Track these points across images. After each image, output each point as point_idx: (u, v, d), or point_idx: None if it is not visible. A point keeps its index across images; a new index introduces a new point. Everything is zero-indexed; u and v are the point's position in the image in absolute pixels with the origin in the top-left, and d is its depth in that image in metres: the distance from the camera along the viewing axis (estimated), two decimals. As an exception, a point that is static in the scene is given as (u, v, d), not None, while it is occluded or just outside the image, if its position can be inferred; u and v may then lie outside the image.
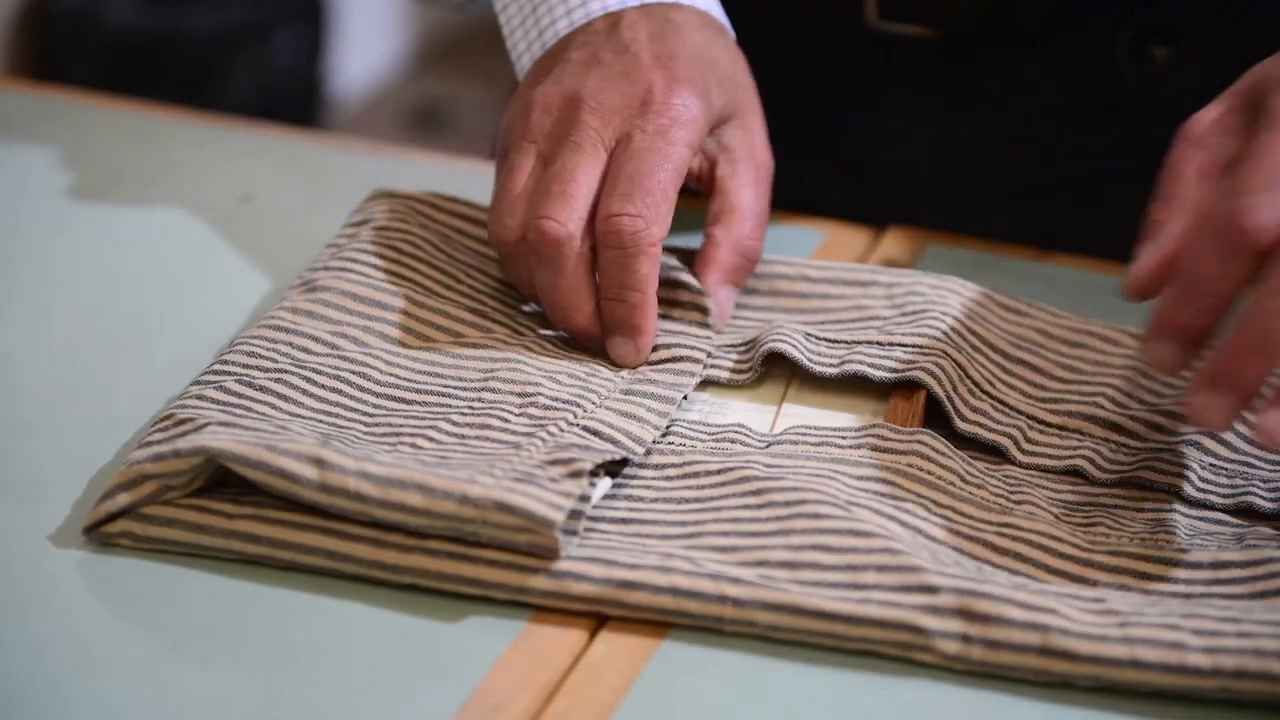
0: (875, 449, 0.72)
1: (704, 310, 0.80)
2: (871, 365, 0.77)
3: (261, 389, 0.73)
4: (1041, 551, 0.68)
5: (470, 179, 0.91)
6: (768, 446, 0.73)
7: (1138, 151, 0.95)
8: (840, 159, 0.94)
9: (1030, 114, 0.96)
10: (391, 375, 0.76)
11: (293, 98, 2.24)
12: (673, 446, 0.73)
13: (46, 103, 1.02)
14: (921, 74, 0.97)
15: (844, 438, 0.73)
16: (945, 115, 0.98)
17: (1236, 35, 0.93)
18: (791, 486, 0.69)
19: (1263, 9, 0.93)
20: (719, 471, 0.71)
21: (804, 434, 0.74)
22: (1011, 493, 0.72)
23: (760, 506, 0.69)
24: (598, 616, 0.67)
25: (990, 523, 0.70)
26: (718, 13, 0.84)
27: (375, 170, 0.96)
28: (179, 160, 0.99)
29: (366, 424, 0.73)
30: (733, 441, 0.74)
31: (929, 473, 0.71)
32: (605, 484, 0.70)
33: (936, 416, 0.77)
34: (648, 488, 0.71)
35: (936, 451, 0.72)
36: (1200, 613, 0.65)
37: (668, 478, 0.71)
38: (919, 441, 0.72)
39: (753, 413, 0.77)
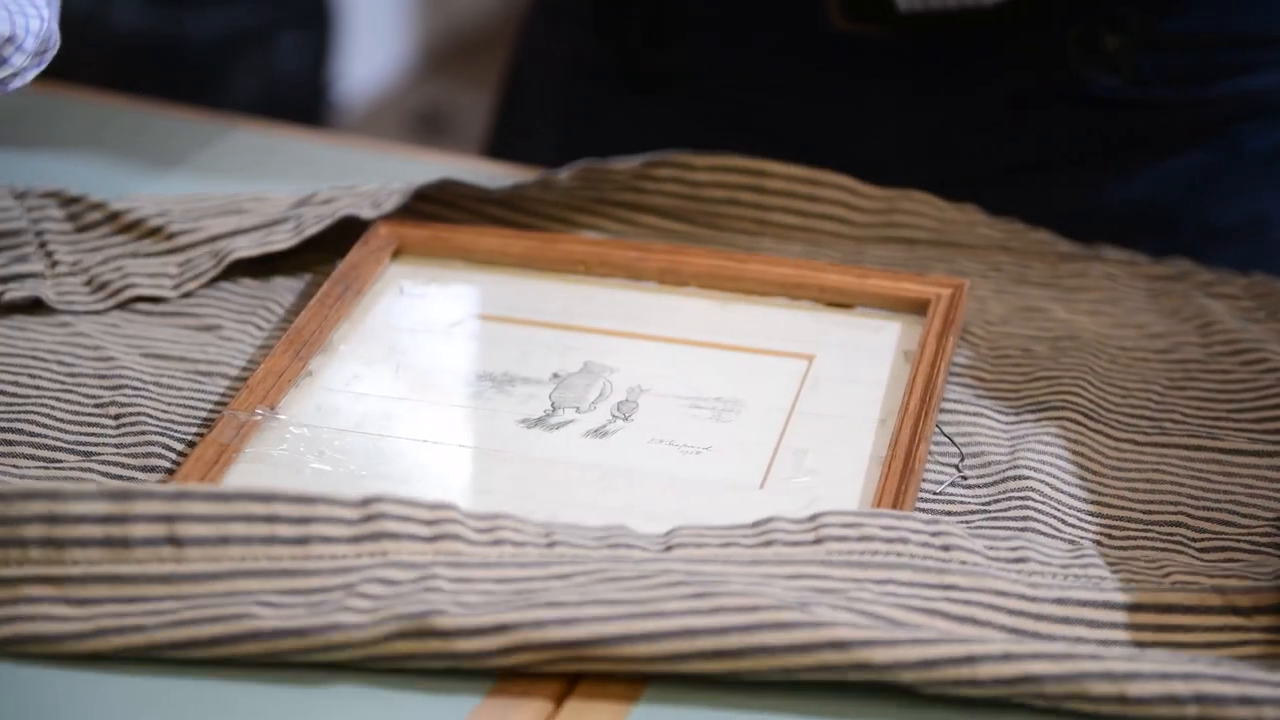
0: (786, 544, 0.68)
1: None
2: None
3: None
4: (994, 611, 0.66)
5: (473, 179, 0.91)
6: (668, 550, 0.68)
7: (1088, 134, 0.98)
8: (806, 149, 0.96)
9: (987, 103, 0.99)
10: None
11: (297, 101, 2.23)
12: (566, 556, 0.68)
13: (53, 101, 1.02)
14: (883, 68, 1.00)
15: (746, 537, 0.69)
16: (906, 106, 1.01)
17: (1183, 23, 0.96)
18: (739, 590, 0.65)
19: None
20: (641, 577, 0.66)
21: (701, 536, 0.69)
22: (935, 537, 0.69)
23: (712, 612, 0.64)
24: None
25: (933, 587, 0.67)
26: None
27: (382, 171, 0.96)
28: (187, 159, 0.99)
29: None
30: (629, 547, 0.68)
31: (850, 552, 0.68)
32: None
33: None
34: (567, 593, 0.66)
35: (845, 526, 0.69)
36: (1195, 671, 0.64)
37: (580, 585, 0.66)
38: (820, 526, 0.69)
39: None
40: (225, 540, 0.66)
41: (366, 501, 0.67)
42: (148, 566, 0.65)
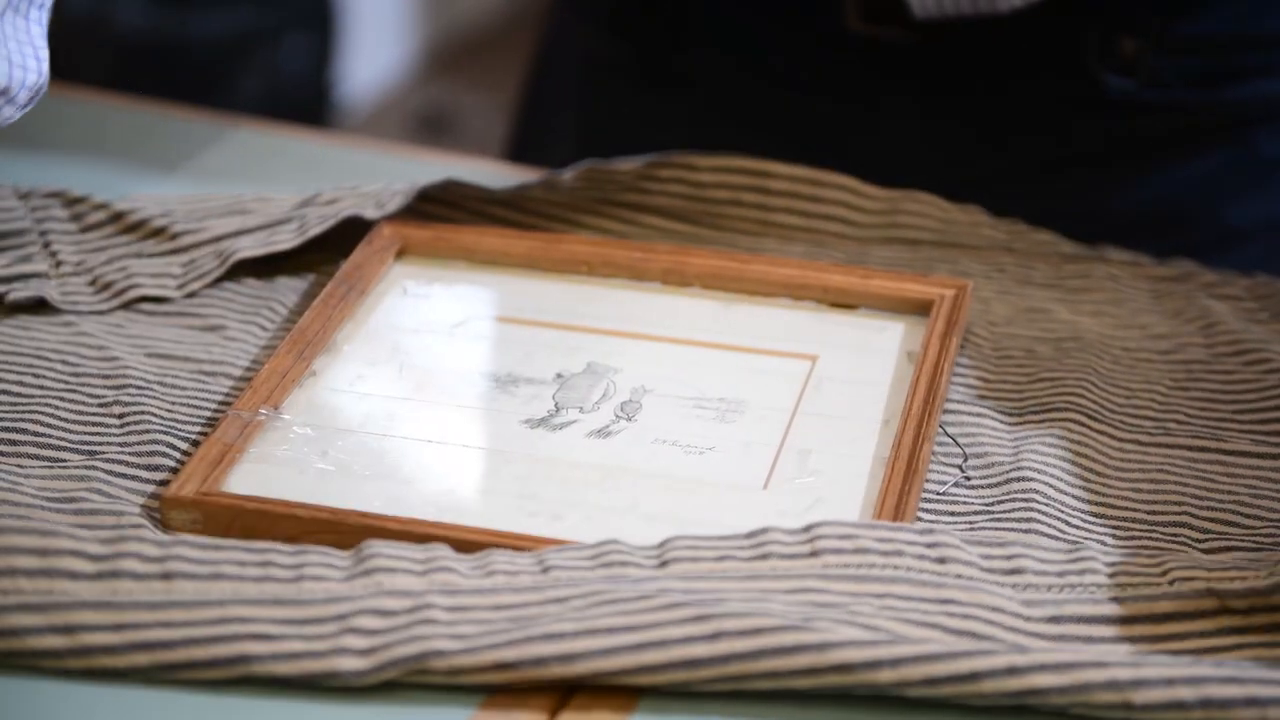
0: (782, 557, 0.68)
1: None
2: None
3: None
4: (992, 626, 0.66)
5: (476, 179, 0.91)
6: (663, 565, 0.68)
7: (1102, 137, 0.98)
8: (820, 149, 0.96)
9: (1001, 106, 0.99)
10: None
11: (300, 103, 2.23)
12: (561, 579, 0.67)
13: (56, 102, 1.02)
14: (898, 70, 1.00)
15: (742, 549, 0.68)
16: (921, 108, 1.01)
17: (1199, 27, 0.96)
18: (740, 611, 0.65)
19: (1224, 2, 0.96)
20: (640, 598, 0.66)
21: (696, 549, 0.68)
22: (930, 549, 0.68)
23: (713, 638, 0.64)
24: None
25: (931, 601, 0.67)
26: None
27: (385, 171, 0.96)
28: (190, 160, 0.99)
29: None
30: (624, 564, 0.68)
31: (846, 565, 0.67)
32: None
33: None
34: (564, 621, 0.66)
35: (840, 538, 0.68)
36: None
37: (577, 609, 0.66)
38: (816, 537, 0.68)
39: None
40: (218, 576, 0.66)
41: (358, 548, 0.67)
42: (138, 596, 0.65)
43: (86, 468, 0.73)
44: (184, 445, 0.75)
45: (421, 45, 2.95)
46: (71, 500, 0.71)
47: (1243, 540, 0.73)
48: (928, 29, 0.98)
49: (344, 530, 0.70)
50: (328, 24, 2.34)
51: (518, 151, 1.15)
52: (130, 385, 0.78)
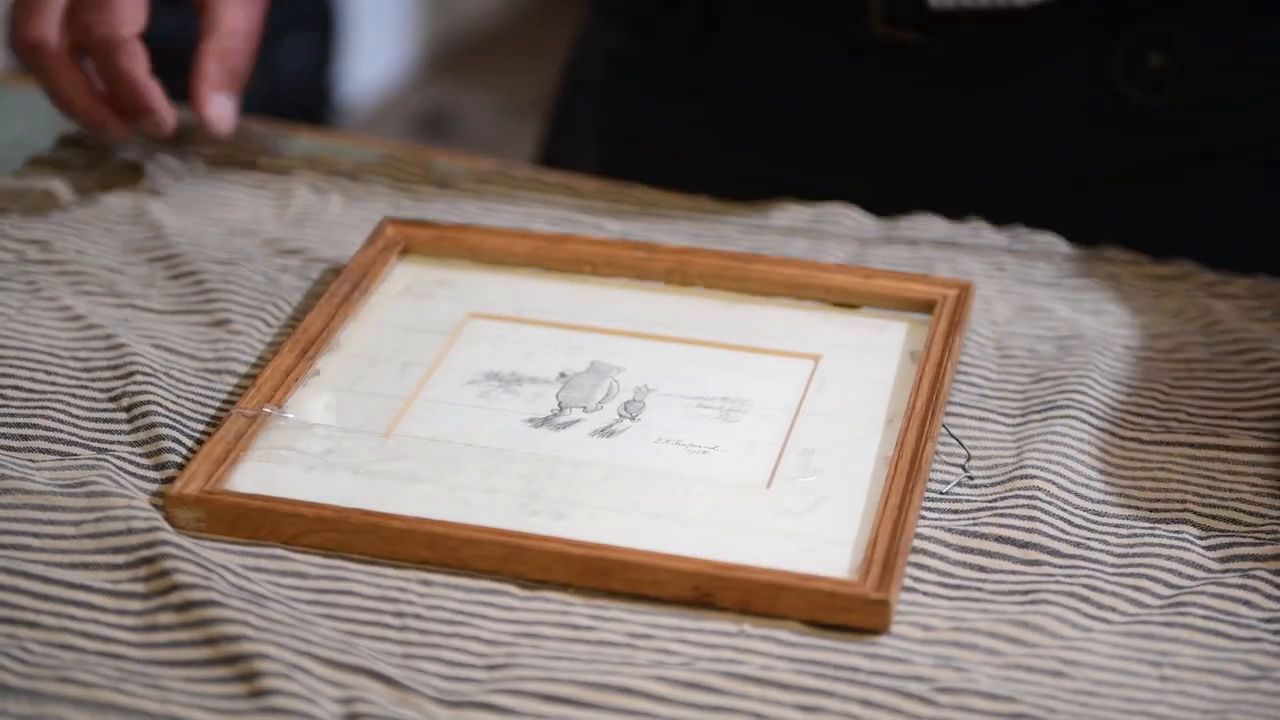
0: None
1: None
2: None
3: None
4: None
5: (481, 179, 0.91)
6: None
7: (1127, 154, 0.96)
8: (841, 156, 0.95)
9: (1025, 118, 0.98)
10: None
11: (300, 102, 2.23)
12: None
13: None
14: (922, 79, 0.99)
15: None
16: (943, 118, 1.00)
17: (1230, 43, 0.95)
18: None
19: (1255, 17, 0.95)
20: None
21: None
22: None
23: None
24: None
25: None
26: None
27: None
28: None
29: None
30: None
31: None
32: None
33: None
34: None
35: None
36: None
37: None
38: None
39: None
40: None
41: None
42: None
43: (97, 463, 0.74)
44: (189, 443, 0.76)
45: (421, 45, 2.95)
46: (82, 484, 0.72)
47: (1244, 537, 0.73)
48: (950, 35, 0.97)
49: (347, 529, 0.70)
50: (328, 24, 2.34)
51: (549, 154, 1.15)
52: (137, 372, 0.78)
